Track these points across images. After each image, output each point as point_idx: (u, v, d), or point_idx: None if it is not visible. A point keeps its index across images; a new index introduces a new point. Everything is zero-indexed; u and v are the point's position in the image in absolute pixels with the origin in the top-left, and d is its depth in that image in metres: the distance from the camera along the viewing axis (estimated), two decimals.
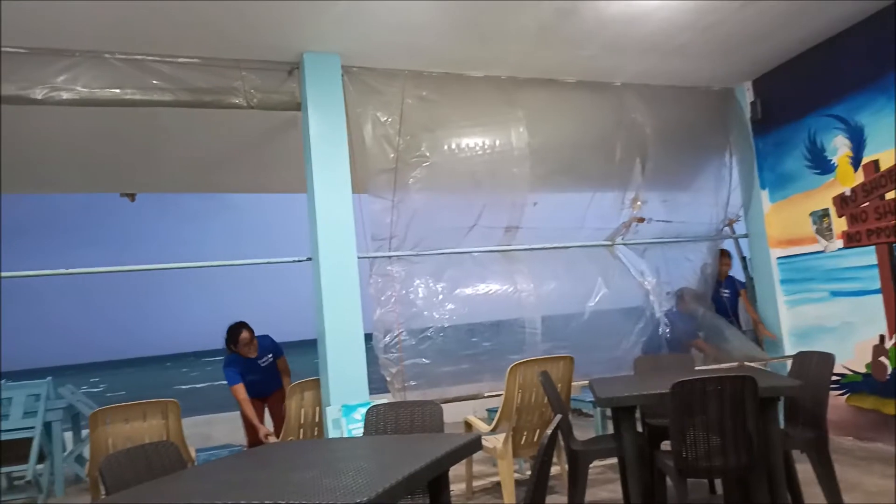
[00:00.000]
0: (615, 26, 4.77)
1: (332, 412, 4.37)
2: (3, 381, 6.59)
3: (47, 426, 6.36)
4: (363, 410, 4.31)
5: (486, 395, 5.09)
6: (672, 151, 6.11)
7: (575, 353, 4.65)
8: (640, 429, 4.11)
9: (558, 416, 2.30)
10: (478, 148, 5.41)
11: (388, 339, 5.01)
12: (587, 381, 4.17)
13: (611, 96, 5.93)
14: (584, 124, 5.87)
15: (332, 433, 4.31)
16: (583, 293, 5.78)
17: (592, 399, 5.34)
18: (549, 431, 2.08)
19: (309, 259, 4.78)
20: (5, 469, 6.22)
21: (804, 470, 3.69)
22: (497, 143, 5.45)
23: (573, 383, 4.62)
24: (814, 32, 5.31)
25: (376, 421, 3.25)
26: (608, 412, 4.98)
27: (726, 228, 6.41)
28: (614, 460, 4.89)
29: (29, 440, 6.09)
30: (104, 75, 4.25)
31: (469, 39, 4.76)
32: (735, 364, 5.57)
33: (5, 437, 6.08)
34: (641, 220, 6.05)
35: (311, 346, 4.64)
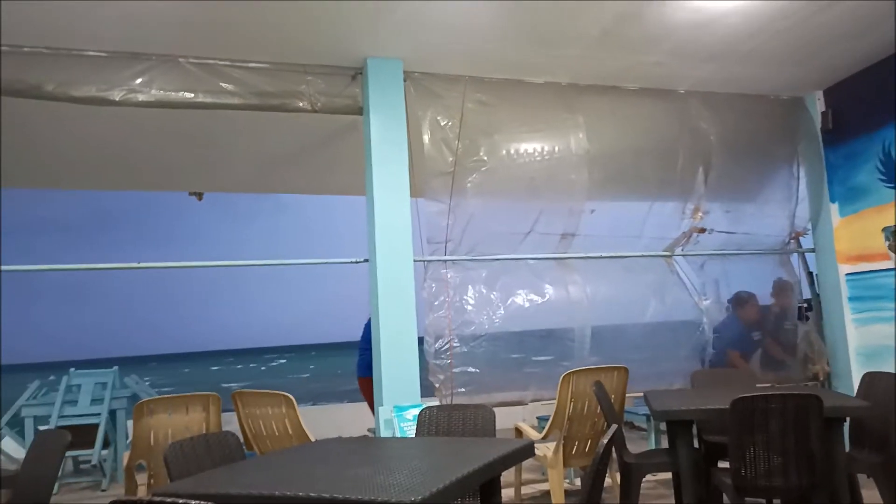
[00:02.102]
0: (681, 32, 4.68)
1: (384, 412, 4.42)
2: (72, 370, 6.91)
3: (112, 414, 6.63)
4: (415, 412, 4.35)
5: (535, 402, 5.06)
6: (736, 161, 5.94)
7: (627, 364, 4.58)
8: (695, 444, 4.02)
9: (614, 427, 2.27)
10: (536, 153, 5.39)
11: (438, 344, 5.04)
12: (640, 393, 4.11)
13: (674, 103, 5.82)
14: (645, 131, 5.78)
15: (384, 433, 4.36)
16: (638, 304, 5.68)
17: (646, 412, 5.26)
18: (604, 441, 2.06)
19: (366, 261, 4.85)
20: (72, 453, 6.52)
21: (870, 496, 3.54)
22: (556, 148, 5.42)
23: (626, 395, 4.55)
24: (891, 41, 5.09)
25: (429, 422, 3.27)
26: (662, 426, 4.89)
27: (792, 242, 6.19)
28: (668, 475, 4.78)
29: (95, 426, 6.37)
30: (177, 79, 4.43)
31: (529, 44, 4.76)
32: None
33: (73, 422, 6.37)
34: (702, 230, 5.90)
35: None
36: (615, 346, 5.45)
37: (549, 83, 5.45)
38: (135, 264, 4.74)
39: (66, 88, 4.23)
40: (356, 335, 6.16)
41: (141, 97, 4.32)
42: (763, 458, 3.00)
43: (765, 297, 6.02)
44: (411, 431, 4.27)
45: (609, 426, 3.92)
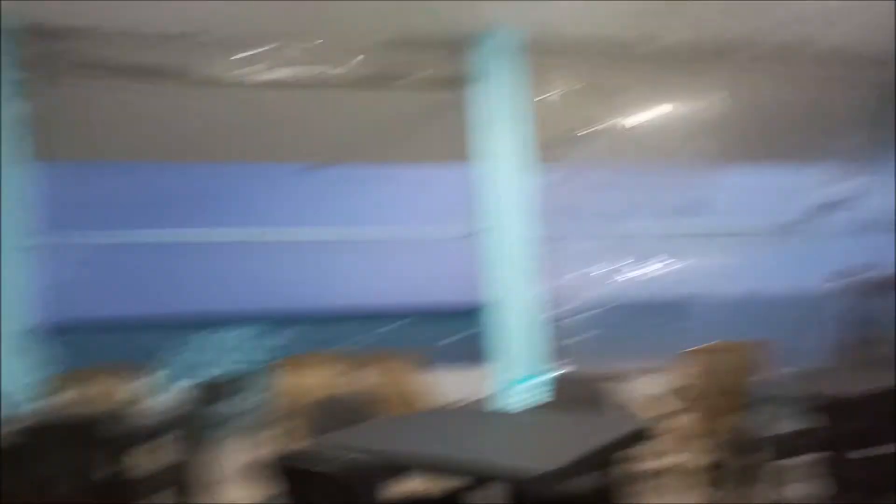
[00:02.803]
0: None
1: (505, 379, 4.48)
2: (222, 324, 7.53)
3: (258, 367, 7.17)
4: (536, 381, 4.37)
5: (658, 372, 4.92)
6: (885, 126, 5.37)
7: (765, 338, 4.34)
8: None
9: (752, 406, 2.17)
10: (663, 119, 5.14)
11: (559, 313, 5.01)
12: (779, 370, 3.88)
13: (816, 63, 5.30)
14: (782, 94, 5.33)
15: (506, 400, 4.42)
16: (771, 277, 5.37)
17: (781, 389, 4.97)
18: (742, 421, 1.97)
19: (485, 231, 4.86)
20: (221, 402, 7.13)
21: None
22: (685, 113, 5.14)
23: (763, 371, 4.31)
24: None
25: (553, 392, 3.28)
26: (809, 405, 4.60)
27: None
28: (811, 458, 4.50)
29: (242, 377, 6.92)
30: (289, 59, 4.60)
31: (656, 5, 4.49)
32: None
33: (223, 372, 6.95)
34: (838, 204, 5.44)
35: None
36: (748, 318, 5.19)
37: (679, 43, 5.10)
38: (265, 231, 5.04)
39: (191, 70, 4.52)
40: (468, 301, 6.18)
41: (255, 78, 4.55)
42: None
43: None
44: (533, 400, 4.30)
45: (743, 403, 3.74)
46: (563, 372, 4.92)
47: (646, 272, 5.23)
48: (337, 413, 2.73)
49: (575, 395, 3.21)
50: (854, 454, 3.42)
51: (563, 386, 3.24)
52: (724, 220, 5.34)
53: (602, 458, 2.30)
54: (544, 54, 4.92)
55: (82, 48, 4.45)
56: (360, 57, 4.71)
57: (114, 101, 5.21)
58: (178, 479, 3.22)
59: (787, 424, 5.22)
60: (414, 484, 4.11)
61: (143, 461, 3.01)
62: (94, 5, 4.19)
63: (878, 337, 5.25)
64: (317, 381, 4.54)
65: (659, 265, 5.24)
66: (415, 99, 5.44)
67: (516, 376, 4.47)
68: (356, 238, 5.53)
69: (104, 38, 4.48)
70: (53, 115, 4.81)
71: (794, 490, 4.25)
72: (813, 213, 5.47)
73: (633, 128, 5.15)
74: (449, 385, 8.07)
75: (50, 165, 5.54)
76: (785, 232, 5.45)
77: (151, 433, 2.93)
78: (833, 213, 5.46)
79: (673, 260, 5.29)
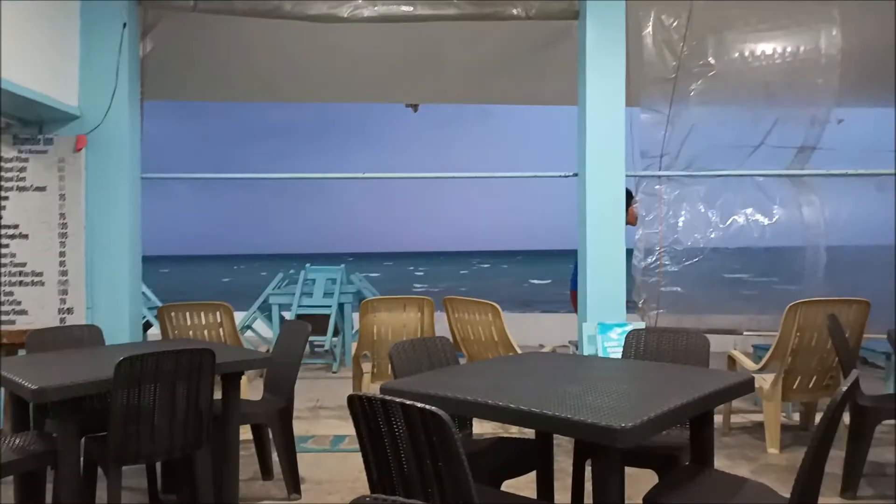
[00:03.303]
0: None
1: (587, 328, 4.42)
2: (308, 265, 7.80)
3: (341, 307, 7.43)
4: (619, 330, 4.29)
5: (750, 332, 4.73)
6: None
7: (869, 296, 4.05)
8: None
9: (855, 373, 2.04)
10: (775, 54, 4.77)
11: (648, 260, 4.86)
12: (882, 335, 3.63)
13: None
14: None
15: (588, 350, 4.38)
16: (887, 227, 4.94)
17: (886, 350, 4.67)
18: (843, 389, 1.86)
19: (575, 175, 4.74)
20: (309, 339, 7.45)
21: None
22: (801, 48, 4.74)
23: (865, 334, 4.05)
24: None
25: (636, 344, 3.20)
26: None
27: None
28: None
29: (327, 317, 7.20)
30: None
31: None
32: None
33: (309, 311, 7.25)
34: None
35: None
36: (855, 273, 4.86)
37: None
38: (360, 175, 5.11)
39: (301, 8, 4.53)
40: (566, 244, 6.09)
41: (366, 12, 4.51)
42: None
43: None
44: (614, 351, 4.24)
45: (841, 364, 3.54)
46: (652, 322, 4.81)
47: (752, 221, 4.97)
48: (417, 356, 2.78)
49: (664, 346, 3.12)
50: None
51: (652, 336, 3.16)
52: (833, 166, 4.95)
53: (688, 415, 2.24)
54: None
55: None
56: None
57: (217, 40, 5.35)
58: (268, 412, 3.40)
59: (882, 387, 4.95)
60: (491, 426, 4.19)
61: (235, 395, 3.18)
62: None
63: None
64: (398, 322, 4.64)
65: (767, 215, 4.96)
66: (521, 36, 5.27)
67: (603, 324, 4.40)
68: (454, 177, 5.50)
69: None
70: (163, 55, 5.00)
71: (884, 454, 4.05)
72: None
73: (747, 61, 4.80)
74: (534, 329, 8.11)
75: (157, 104, 5.82)
76: None
77: (242, 368, 3.09)
78: None
79: (783, 209, 4.99)
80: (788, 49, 4.75)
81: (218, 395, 2.98)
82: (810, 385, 4.17)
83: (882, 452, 4.10)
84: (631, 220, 4.96)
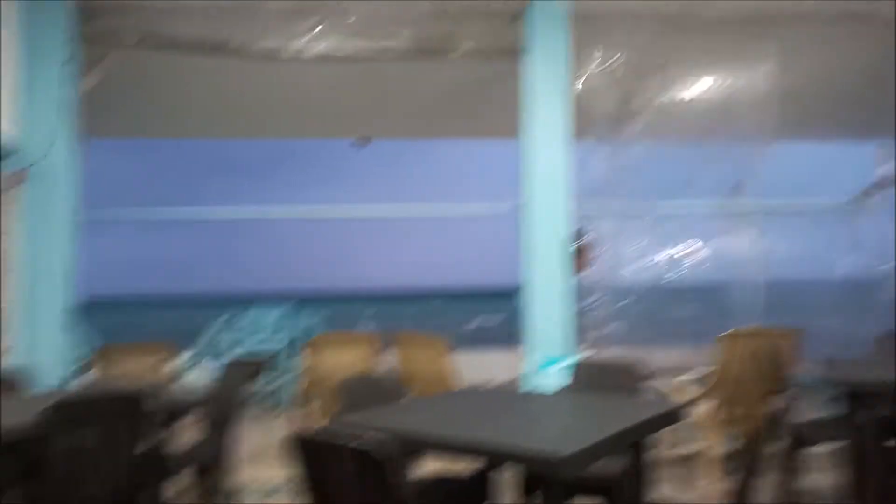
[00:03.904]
0: None
1: (533, 361, 4.47)
2: (255, 304, 7.68)
3: (288, 345, 7.31)
4: (565, 364, 4.35)
5: (689, 367, 4.86)
6: None
7: (805, 324, 4.24)
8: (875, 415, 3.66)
9: (784, 397, 2.13)
10: (711, 92, 4.98)
11: (589, 300, 4.95)
12: (812, 358, 3.79)
13: (880, 31, 5.07)
14: (845, 64, 5.11)
15: (533, 382, 4.42)
16: (821, 258, 5.20)
17: (818, 377, 4.86)
18: (774, 412, 1.94)
19: (520, 207, 4.83)
20: (255, 379, 7.28)
21: None
22: (735, 86, 4.97)
23: (794, 359, 4.22)
24: None
25: (579, 376, 3.26)
26: (838, 393, 4.49)
27: None
28: (841, 446, 4.41)
29: (274, 355, 7.07)
30: (345, 31, 4.61)
31: None
32: None
33: (256, 350, 7.12)
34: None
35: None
36: (790, 305, 5.07)
37: (733, 8, 4.93)
38: (301, 209, 5.11)
39: (247, 46, 4.56)
40: (509, 282, 6.19)
41: (312, 51, 4.57)
42: None
43: None
44: (560, 383, 4.29)
45: (775, 392, 3.68)
46: (592, 355, 4.89)
47: (684, 254, 5.13)
48: (364, 393, 2.76)
49: (604, 378, 3.19)
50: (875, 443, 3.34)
51: (592, 369, 3.23)
52: (770, 200, 5.19)
53: (625, 442, 2.29)
54: (590, 27, 4.83)
55: (132, 23, 4.53)
56: (409, 28, 4.69)
57: (161, 77, 5.33)
58: (208, 456, 3.31)
59: (815, 412, 5.15)
60: (439, 464, 4.16)
61: (175, 438, 3.10)
62: None
63: None
64: (345, 360, 4.60)
65: (698, 247, 5.13)
66: (465, 72, 5.39)
67: (547, 359, 4.45)
68: (395, 215, 5.56)
69: (155, 13, 4.54)
70: (108, 91, 4.94)
71: (817, 479, 4.19)
72: (869, 192, 5.27)
73: (679, 102, 5.02)
74: (480, 367, 8.10)
75: (98, 141, 5.71)
76: (838, 211, 5.28)
77: (183, 410, 3.02)
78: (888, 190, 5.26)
79: (720, 240, 5.18)
80: (725, 86, 4.99)
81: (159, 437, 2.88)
82: (745, 414, 4.29)
83: (816, 477, 4.24)
84: (582, 266, 5.05)
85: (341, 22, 4.63)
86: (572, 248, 4.78)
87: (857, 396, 3.29)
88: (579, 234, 4.88)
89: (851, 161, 5.34)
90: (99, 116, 5.04)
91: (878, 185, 5.19)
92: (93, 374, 4.35)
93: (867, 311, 5.13)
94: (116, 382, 3.96)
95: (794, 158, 5.36)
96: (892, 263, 5.19)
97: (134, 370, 4.30)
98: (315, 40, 4.58)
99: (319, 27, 4.59)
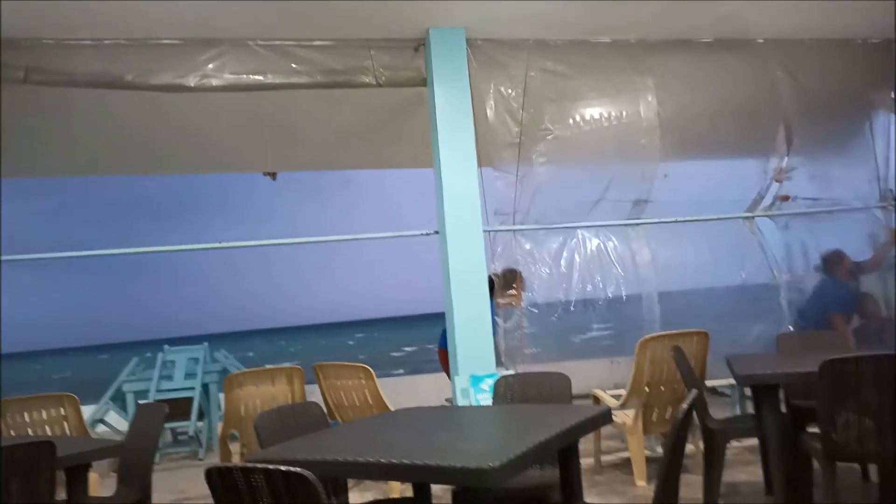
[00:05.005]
0: None
1: (460, 381, 4.48)
2: (166, 346, 7.32)
3: (205, 387, 7.00)
4: (490, 381, 4.38)
5: (610, 376, 5.01)
6: (822, 115, 5.61)
7: (706, 329, 4.46)
8: (782, 409, 3.88)
9: (694, 392, 2.23)
10: (604, 119, 5.26)
11: (508, 324, 5.01)
12: (722, 358, 3.99)
13: (751, 56, 5.52)
14: (720, 88, 5.52)
15: (461, 402, 4.42)
16: (715, 269, 5.51)
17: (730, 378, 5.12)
18: (684, 406, 2.02)
19: (436, 232, 4.89)
20: (170, 425, 6.93)
21: None
22: (624, 113, 5.27)
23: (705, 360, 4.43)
24: None
25: (504, 391, 3.29)
26: (747, 391, 4.74)
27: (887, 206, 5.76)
28: (753, 441, 4.65)
29: (190, 399, 6.75)
30: (248, 61, 4.56)
31: (596, 1, 4.60)
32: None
33: (170, 395, 6.77)
34: (786, 198, 5.62)
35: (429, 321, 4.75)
36: (691, 312, 5.31)
37: (616, 42, 5.27)
38: (216, 244, 4.95)
39: (145, 78, 4.42)
40: (431, 308, 6.22)
41: (215, 82, 4.48)
42: (855, 423, 2.87)
43: (854, 256, 5.69)
44: (487, 400, 4.31)
45: (688, 392, 3.84)
46: (515, 372, 4.95)
47: (597, 268, 5.29)
48: (284, 425, 2.68)
49: (527, 391, 3.23)
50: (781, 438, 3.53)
51: (515, 384, 3.27)
52: (676, 214, 5.45)
53: (553, 449, 2.32)
54: (489, 54, 4.99)
55: (19, 59, 4.30)
56: (315, 59, 4.69)
57: (62, 111, 5.07)
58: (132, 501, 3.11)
59: (729, 411, 5.40)
60: (377, 492, 4.07)
61: (90, 486, 2.89)
62: (32, 14, 4.06)
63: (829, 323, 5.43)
64: (265, 396, 4.45)
65: (611, 263, 5.31)
66: (375, 102, 5.42)
67: (471, 378, 4.47)
68: (313, 243, 5.45)
69: (44, 48, 4.34)
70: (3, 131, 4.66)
71: (734, 475, 4.39)
72: (763, 203, 5.63)
73: (581, 125, 5.24)
74: (409, 391, 8.07)
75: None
76: (742, 218, 5.60)
77: (99, 456, 2.82)
78: (785, 201, 5.64)
79: (625, 256, 5.37)
80: (614, 114, 5.27)
81: (63, 494, 2.69)
82: (667, 416, 4.46)
83: (735, 473, 4.44)
84: (512, 302, 5.12)
85: (243, 54, 4.58)
86: (502, 287, 4.91)
87: (761, 389, 3.47)
88: (509, 276, 4.98)
89: (741, 177, 5.70)
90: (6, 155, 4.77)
91: (760, 200, 5.58)
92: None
93: (767, 315, 5.46)
94: (12, 438, 3.67)
95: (688, 177, 5.66)
96: (785, 269, 5.57)
97: (33, 425, 4.00)
98: (217, 72, 4.50)
99: (220, 59, 4.51)
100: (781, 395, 3.92)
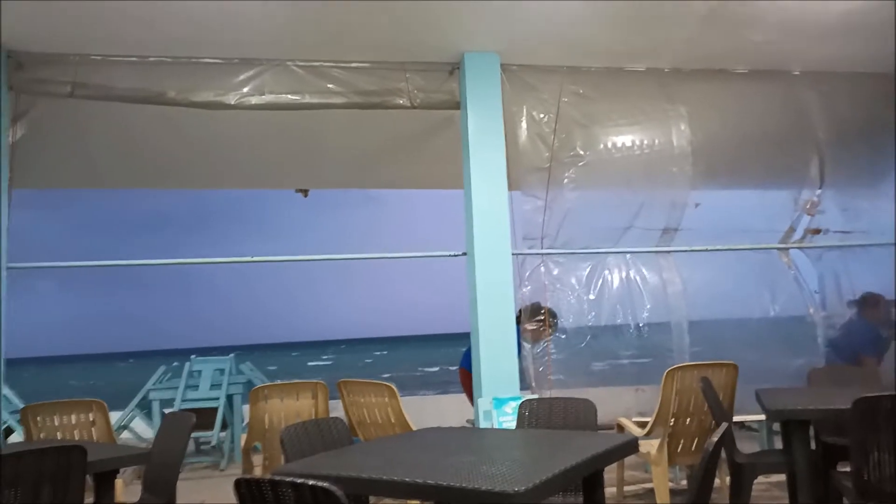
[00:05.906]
0: (792, 6, 4.40)
1: (483, 404, 4.47)
2: (193, 357, 7.42)
3: (230, 398, 7.07)
4: (514, 404, 4.37)
5: (637, 405, 4.95)
6: (854, 148, 5.54)
7: (735, 361, 4.39)
8: (811, 445, 3.80)
9: (724, 425, 2.20)
10: (635, 146, 5.26)
11: (536, 350, 4.98)
12: (752, 391, 3.92)
13: (784, 87, 5.49)
14: (753, 118, 5.50)
15: (483, 424, 4.41)
16: (745, 300, 5.43)
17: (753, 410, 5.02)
18: (714, 440, 2.00)
19: (464, 254, 4.90)
20: (194, 434, 7.00)
21: None
22: (656, 141, 5.27)
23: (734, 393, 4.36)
24: None
25: (529, 415, 3.28)
26: (775, 426, 4.64)
27: None
28: (781, 477, 4.55)
29: (214, 410, 6.82)
30: (285, 81, 4.67)
31: (630, 29, 4.63)
32: None
33: (195, 405, 6.84)
34: (817, 231, 5.54)
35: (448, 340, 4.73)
36: (720, 342, 5.23)
37: (650, 70, 5.29)
38: (248, 258, 5.03)
39: (186, 94, 4.55)
40: (456, 328, 6.22)
41: (253, 100, 4.59)
42: (889, 462, 2.80)
43: (890, 292, 5.57)
44: (510, 423, 4.29)
45: (717, 424, 3.78)
46: (540, 396, 4.92)
47: (626, 295, 5.25)
48: (309, 441, 2.70)
49: (552, 417, 3.21)
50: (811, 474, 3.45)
51: (541, 409, 3.25)
52: (705, 243, 5.41)
53: (578, 476, 2.30)
54: (522, 79, 5.04)
55: (66, 74, 4.46)
56: (350, 80, 4.78)
57: (96, 125, 5.24)
58: None
59: (755, 445, 5.28)
60: None
61: (112, 495, 2.93)
62: (80, 32, 4.22)
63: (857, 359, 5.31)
64: (290, 410, 4.48)
65: (640, 289, 5.27)
66: (407, 123, 5.50)
67: (494, 400, 4.46)
68: (341, 262, 5.52)
69: (89, 64, 4.49)
70: (35, 141, 4.82)
71: None
72: (795, 235, 5.56)
73: (611, 152, 5.25)
74: (433, 410, 8.05)
75: (27, 192, 5.51)
76: (776, 249, 5.53)
77: (128, 463, 2.87)
78: (818, 233, 5.57)
79: (654, 284, 5.33)
80: (645, 141, 5.27)
81: (90, 498, 2.73)
82: (693, 447, 4.39)
83: None
84: (541, 336, 5.08)
85: (282, 74, 4.69)
86: (532, 323, 4.90)
87: (791, 425, 3.41)
88: (535, 310, 4.97)
89: (772, 208, 5.64)
90: (26, 167, 4.90)
91: (791, 232, 5.50)
92: (18, 435, 4.10)
93: (799, 349, 5.36)
94: (43, 442, 3.74)
95: (719, 206, 5.62)
96: (818, 302, 5.46)
97: (63, 429, 4.07)
98: (255, 91, 4.61)
99: (259, 78, 4.63)
100: (811, 431, 3.84)
